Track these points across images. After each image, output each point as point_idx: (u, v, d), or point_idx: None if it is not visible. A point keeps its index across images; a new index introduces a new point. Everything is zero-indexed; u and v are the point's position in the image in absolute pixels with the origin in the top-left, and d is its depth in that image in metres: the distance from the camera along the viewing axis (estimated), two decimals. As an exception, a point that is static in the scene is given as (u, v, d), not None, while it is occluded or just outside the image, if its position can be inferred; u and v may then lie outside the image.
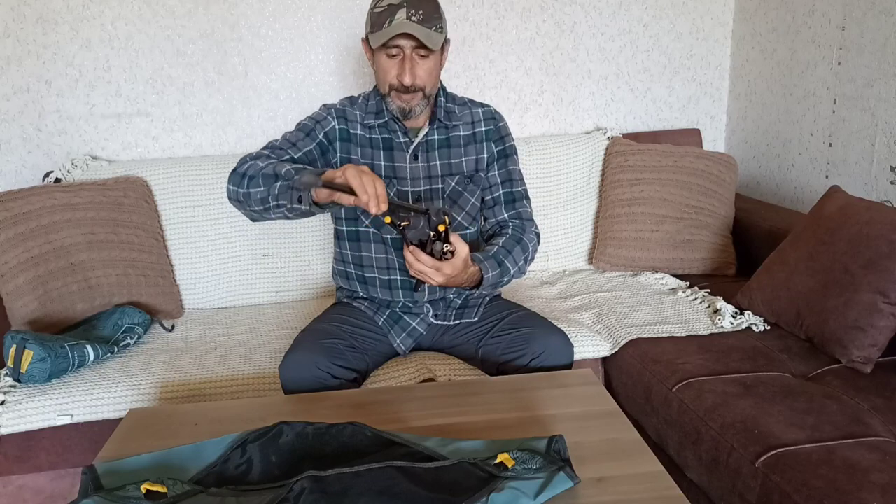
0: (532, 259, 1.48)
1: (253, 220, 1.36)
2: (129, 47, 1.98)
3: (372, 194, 1.07)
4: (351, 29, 2.09)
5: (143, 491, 0.85)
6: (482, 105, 1.55)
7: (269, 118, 2.12)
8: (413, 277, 1.25)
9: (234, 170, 1.30)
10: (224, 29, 2.02)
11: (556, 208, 2.07)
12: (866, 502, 0.97)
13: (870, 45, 1.78)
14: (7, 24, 1.91)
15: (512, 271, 1.39)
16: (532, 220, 1.52)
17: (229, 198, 1.32)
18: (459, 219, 1.50)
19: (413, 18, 1.29)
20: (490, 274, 1.33)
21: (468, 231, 1.52)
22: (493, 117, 1.53)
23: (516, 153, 1.56)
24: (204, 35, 2.02)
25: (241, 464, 0.94)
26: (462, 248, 1.21)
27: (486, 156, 1.51)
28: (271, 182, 1.21)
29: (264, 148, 1.38)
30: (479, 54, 2.19)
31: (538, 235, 1.52)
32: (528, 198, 1.55)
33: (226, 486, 0.90)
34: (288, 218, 1.24)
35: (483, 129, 1.51)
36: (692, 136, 2.28)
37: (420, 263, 1.19)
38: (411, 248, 1.19)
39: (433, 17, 1.32)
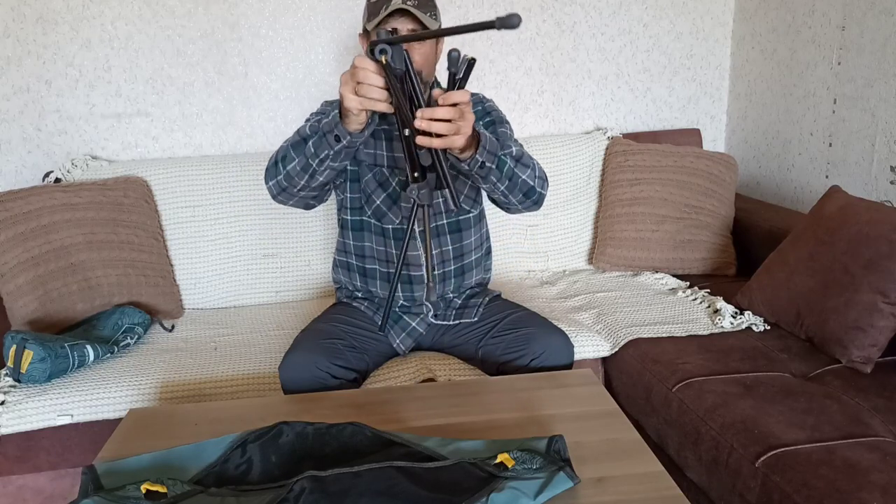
0: (536, 168, 1.35)
1: (307, 207, 1.40)
2: (129, 47, 1.98)
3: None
4: (351, 29, 2.09)
5: (143, 491, 0.85)
6: (471, 94, 1.54)
7: (269, 118, 2.12)
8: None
9: (266, 169, 1.34)
10: (224, 29, 2.02)
11: (556, 208, 2.07)
12: (866, 502, 0.97)
13: (870, 45, 1.78)
14: (7, 24, 1.90)
15: (513, 150, 1.28)
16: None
17: (273, 195, 1.34)
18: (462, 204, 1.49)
19: (409, 3, 1.32)
20: (486, 136, 1.22)
21: (471, 214, 1.52)
22: (481, 101, 1.55)
23: (507, 123, 1.50)
24: (204, 35, 2.02)
25: (241, 464, 0.94)
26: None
27: None
28: (302, 147, 1.23)
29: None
30: (479, 54, 2.18)
31: (543, 171, 1.40)
32: (521, 146, 1.46)
33: (226, 486, 0.90)
34: (335, 169, 1.25)
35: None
36: (692, 136, 2.28)
37: (443, 106, 1.05)
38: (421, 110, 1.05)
39: (428, 4, 1.36)
